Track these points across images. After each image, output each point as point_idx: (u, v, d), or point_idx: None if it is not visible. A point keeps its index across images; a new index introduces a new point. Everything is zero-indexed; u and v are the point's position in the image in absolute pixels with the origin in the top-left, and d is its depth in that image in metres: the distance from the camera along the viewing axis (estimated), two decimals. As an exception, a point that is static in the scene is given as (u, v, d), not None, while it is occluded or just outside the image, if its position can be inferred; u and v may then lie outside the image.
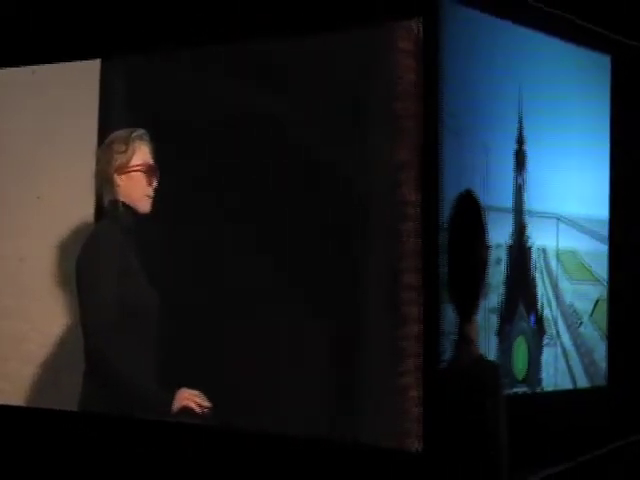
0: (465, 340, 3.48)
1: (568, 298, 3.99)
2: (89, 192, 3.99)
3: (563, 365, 3.97)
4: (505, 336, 3.72)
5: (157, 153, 3.81)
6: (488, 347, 3.64)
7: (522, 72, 3.78)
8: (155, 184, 3.83)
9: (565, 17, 3.79)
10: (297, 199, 3.63)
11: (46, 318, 4.17)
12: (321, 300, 3.58)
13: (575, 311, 4.01)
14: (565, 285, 3.98)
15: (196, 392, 3.72)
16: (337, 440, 3.48)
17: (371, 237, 3.46)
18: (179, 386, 3.70)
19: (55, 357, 4.14)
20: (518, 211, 3.77)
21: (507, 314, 3.73)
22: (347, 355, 3.52)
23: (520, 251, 3.78)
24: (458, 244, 3.47)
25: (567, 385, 3.98)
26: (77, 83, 4.15)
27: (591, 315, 4.08)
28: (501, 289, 3.71)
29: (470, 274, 3.52)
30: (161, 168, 3.80)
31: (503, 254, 3.71)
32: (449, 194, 3.38)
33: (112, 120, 4.03)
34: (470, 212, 3.51)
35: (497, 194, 3.69)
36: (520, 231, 3.78)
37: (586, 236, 4.05)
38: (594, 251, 4.08)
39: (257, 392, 3.66)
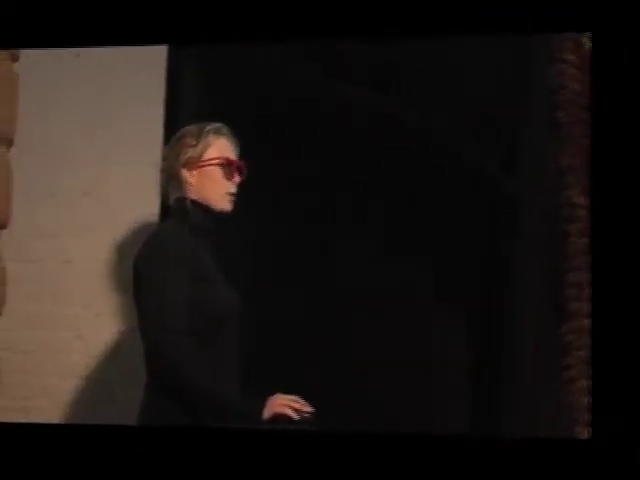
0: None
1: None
2: (148, 189, 3.68)
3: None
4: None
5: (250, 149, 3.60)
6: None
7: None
8: (237, 180, 3.59)
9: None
10: (444, 201, 3.63)
11: (93, 326, 3.72)
12: (471, 299, 3.63)
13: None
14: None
15: (293, 397, 3.55)
16: (499, 436, 3.54)
17: (532, 238, 3.60)
18: (270, 392, 3.55)
19: (105, 368, 3.72)
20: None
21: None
22: (502, 352, 3.61)
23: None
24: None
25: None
26: (136, 70, 3.75)
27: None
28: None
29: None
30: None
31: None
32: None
33: (182, 114, 3.73)
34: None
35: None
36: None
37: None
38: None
39: (392, 394, 3.61)
